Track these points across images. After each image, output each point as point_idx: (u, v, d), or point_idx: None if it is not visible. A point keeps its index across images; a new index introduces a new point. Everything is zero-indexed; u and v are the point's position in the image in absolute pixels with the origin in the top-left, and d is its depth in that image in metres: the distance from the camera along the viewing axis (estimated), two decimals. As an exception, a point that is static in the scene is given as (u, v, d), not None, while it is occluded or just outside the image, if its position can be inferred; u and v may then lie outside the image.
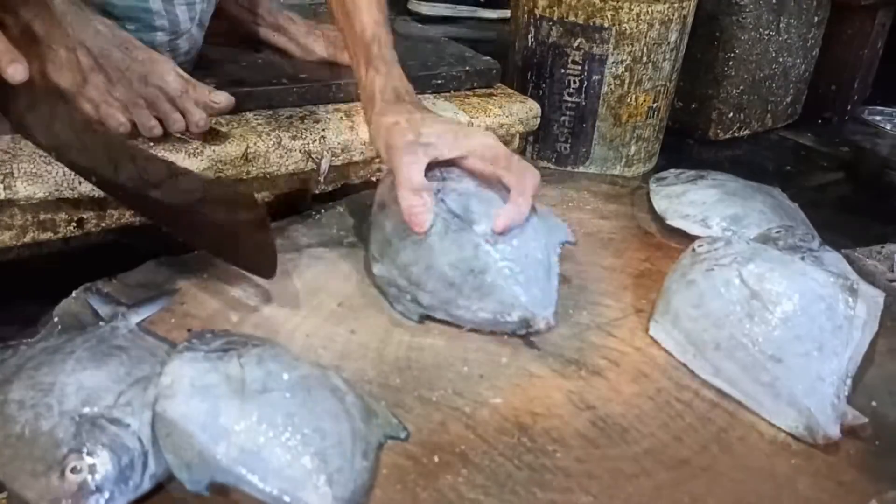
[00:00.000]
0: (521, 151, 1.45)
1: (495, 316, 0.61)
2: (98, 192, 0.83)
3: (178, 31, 0.88)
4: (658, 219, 0.76)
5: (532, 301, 0.61)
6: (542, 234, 0.65)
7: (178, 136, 0.83)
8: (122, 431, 0.45)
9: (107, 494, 0.42)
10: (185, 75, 0.82)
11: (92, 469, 0.42)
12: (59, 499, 0.41)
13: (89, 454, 0.43)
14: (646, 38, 1.32)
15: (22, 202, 0.81)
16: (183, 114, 0.81)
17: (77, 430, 0.44)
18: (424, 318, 0.63)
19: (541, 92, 1.38)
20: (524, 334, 0.61)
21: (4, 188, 0.79)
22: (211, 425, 0.46)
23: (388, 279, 0.65)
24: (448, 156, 0.65)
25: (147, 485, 0.44)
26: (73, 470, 0.42)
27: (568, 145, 1.41)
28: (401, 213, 0.63)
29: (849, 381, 0.56)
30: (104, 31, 0.81)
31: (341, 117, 0.99)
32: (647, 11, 1.30)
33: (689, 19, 1.37)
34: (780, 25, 1.56)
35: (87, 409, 0.45)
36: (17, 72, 0.63)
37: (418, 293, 0.62)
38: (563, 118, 1.39)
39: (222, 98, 0.78)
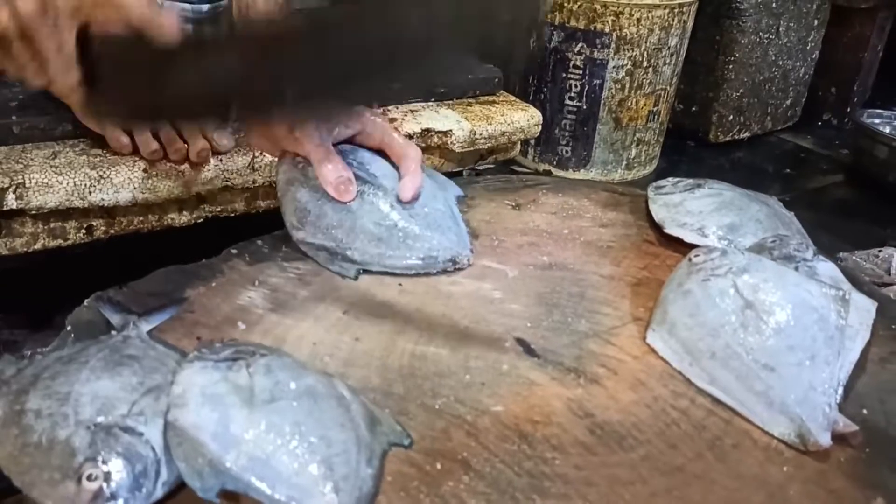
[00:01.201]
0: (524, 155, 1.47)
1: (425, 261, 0.71)
2: (108, 201, 0.85)
3: None
4: (656, 227, 0.78)
5: (453, 243, 0.72)
6: (438, 191, 0.76)
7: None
8: (135, 440, 0.46)
9: (121, 501, 0.44)
10: None
11: (107, 477, 0.44)
12: (76, 506, 0.43)
13: (104, 462, 0.44)
14: (646, 42, 1.33)
15: (33, 211, 0.83)
16: (185, 141, 0.83)
17: (92, 438, 0.45)
18: (361, 272, 0.71)
19: (542, 96, 1.40)
20: (452, 270, 0.72)
21: (16, 198, 0.81)
22: (221, 434, 0.47)
23: (315, 244, 0.72)
24: (345, 135, 0.74)
25: (160, 492, 0.46)
26: (89, 478, 0.44)
27: (569, 149, 1.43)
28: (313, 185, 0.72)
29: (840, 390, 0.57)
30: None
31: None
32: (648, 17, 1.32)
33: (690, 24, 1.38)
34: (780, 29, 1.57)
35: (101, 419, 0.47)
36: (174, 27, 0.64)
37: (348, 252, 0.71)
38: (564, 122, 1.41)
39: (224, 142, 0.83)
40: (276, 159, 0.79)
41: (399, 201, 0.72)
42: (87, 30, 0.66)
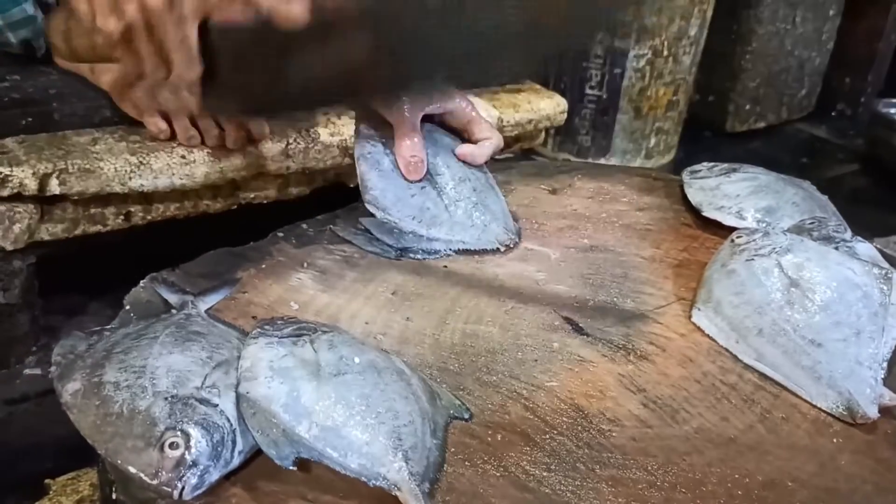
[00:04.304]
0: (543, 144, 1.48)
1: (472, 242, 0.73)
2: (147, 187, 0.86)
3: None
4: (692, 210, 0.79)
5: (500, 226, 0.74)
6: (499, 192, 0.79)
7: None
8: (211, 411, 0.48)
9: (202, 468, 0.45)
10: None
11: (188, 445, 0.45)
12: (160, 472, 0.44)
13: (184, 431, 0.46)
14: (667, 32, 1.35)
15: (75, 197, 0.84)
16: (222, 128, 0.85)
17: (171, 409, 0.47)
18: (401, 254, 0.72)
19: (563, 85, 1.41)
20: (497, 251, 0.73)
21: (59, 183, 0.82)
22: (292, 406, 0.48)
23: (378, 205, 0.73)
24: (434, 112, 0.76)
25: (236, 461, 0.47)
26: (172, 445, 0.45)
27: (589, 137, 1.44)
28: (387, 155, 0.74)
29: (885, 365, 0.58)
30: None
31: (377, 112, 1.02)
32: (668, 6, 1.33)
33: (709, 13, 1.39)
34: (796, 19, 1.59)
35: (177, 391, 0.48)
36: (299, 8, 0.62)
37: (402, 224, 0.73)
38: (584, 111, 1.42)
39: (259, 129, 0.85)
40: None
41: (455, 188, 0.74)
42: (209, 22, 0.66)
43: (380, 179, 0.73)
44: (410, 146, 0.72)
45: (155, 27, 0.65)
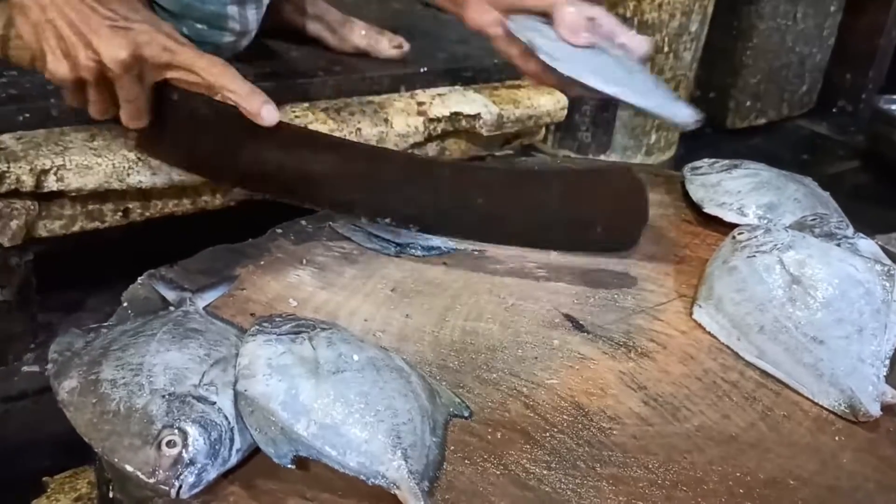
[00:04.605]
0: (543, 140, 1.47)
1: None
2: (145, 183, 0.86)
3: (245, 32, 0.90)
4: (693, 207, 0.79)
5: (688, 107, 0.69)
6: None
7: None
8: (208, 409, 0.47)
9: (199, 466, 0.45)
10: None
11: (185, 443, 0.45)
12: (157, 470, 0.44)
13: (181, 430, 0.45)
14: (667, 28, 1.34)
15: (73, 193, 0.84)
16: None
17: (168, 407, 0.46)
18: (399, 252, 0.71)
19: (563, 82, 1.41)
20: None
21: (57, 180, 0.81)
22: (291, 403, 0.48)
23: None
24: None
25: (234, 459, 0.47)
26: (169, 444, 0.45)
27: (589, 134, 1.44)
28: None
29: (887, 362, 0.58)
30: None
31: (375, 109, 1.01)
32: (669, 2, 1.33)
33: (710, 9, 1.39)
34: (797, 15, 1.58)
35: (174, 388, 0.48)
36: (270, 113, 0.65)
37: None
38: (584, 107, 1.42)
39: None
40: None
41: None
42: (166, 82, 0.68)
43: (545, 39, 0.69)
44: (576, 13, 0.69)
45: (110, 81, 0.66)
